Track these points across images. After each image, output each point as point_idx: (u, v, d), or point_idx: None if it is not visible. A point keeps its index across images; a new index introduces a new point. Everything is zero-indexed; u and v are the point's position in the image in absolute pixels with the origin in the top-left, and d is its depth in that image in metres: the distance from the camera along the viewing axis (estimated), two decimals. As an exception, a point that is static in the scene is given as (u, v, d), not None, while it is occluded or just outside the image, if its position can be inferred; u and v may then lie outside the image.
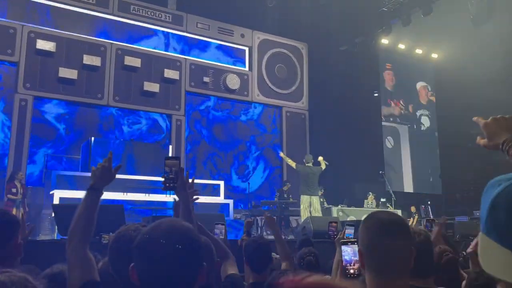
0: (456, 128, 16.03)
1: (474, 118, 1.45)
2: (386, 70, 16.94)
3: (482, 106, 14.94)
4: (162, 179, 2.18)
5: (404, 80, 17.39)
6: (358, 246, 1.60)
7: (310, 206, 10.22)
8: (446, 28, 14.31)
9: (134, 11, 12.83)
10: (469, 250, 2.47)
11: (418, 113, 17.74)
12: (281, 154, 12.10)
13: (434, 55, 17.32)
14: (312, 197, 10.36)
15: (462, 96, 14.66)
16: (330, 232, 3.93)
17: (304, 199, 10.33)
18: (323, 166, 10.83)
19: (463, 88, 14.27)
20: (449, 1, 13.27)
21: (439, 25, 14.00)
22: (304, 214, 10.09)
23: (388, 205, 12.39)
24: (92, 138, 10.33)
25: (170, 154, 11.62)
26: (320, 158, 10.97)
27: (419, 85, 17.93)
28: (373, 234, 1.51)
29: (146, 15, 13.02)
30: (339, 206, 11.94)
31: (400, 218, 1.61)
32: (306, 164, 10.79)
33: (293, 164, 10.78)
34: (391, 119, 16.71)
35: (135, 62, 12.39)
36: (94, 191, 1.97)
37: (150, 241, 1.28)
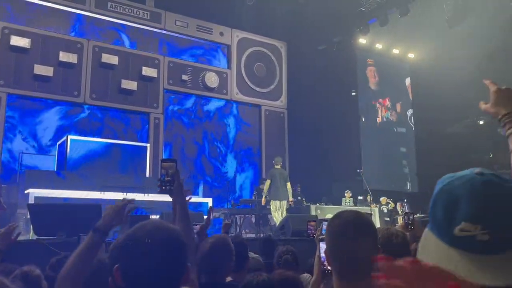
0: (432, 127, 16.34)
1: (486, 81, 1.40)
2: (369, 66, 17.13)
3: (457, 106, 15.27)
4: (158, 182, 2.10)
5: (389, 78, 17.62)
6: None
7: (280, 207, 10.13)
8: (422, 28, 14.54)
9: (111, 8, 12.66)
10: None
11: (408, 113, 18.02)
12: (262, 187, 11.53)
13: (411, 55, 17.60)
14: (279, 201, 10.10)
15: (438, 96, 14.94)
16: (308, 231, 3.97)
17: (272, 202, 10.19)
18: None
19: (438, 88, 14.53)
20: (425, 2, 13.48)
21: (416, 26, 14.22)
22: (275, 216, 10.04)
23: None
24: (69, 136, 10.17)
25: (148, 152, 11.52)
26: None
27: (408, 81, 18.18)
28: (334, 235, 1.46)
29: (124, 12, 12.87)
30: (317, 204, 12.03)
31: (364, 218, 1.54)
32: (275, 166, 10.55)
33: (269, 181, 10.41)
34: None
35: (113, 59, 12.23)
36: (99, 233, 1.82)
37: (134, 241, 1.28)
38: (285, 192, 10.19)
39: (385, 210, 12.98)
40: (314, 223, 4.11)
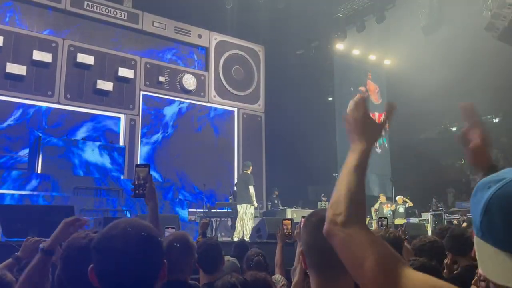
0: (406, 132, 16.61)
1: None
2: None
3: (431, 113, 15.58)
4: (132, 186, 2.19)
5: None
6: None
7: (246, 211, 9.84)
8: (398, 35, 14.80)
9: (87, 8, 12.47)
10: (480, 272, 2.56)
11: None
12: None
13: (387, 62, 17.88)
14: (239, 205, 9.93)
15: (412, 102, 15.19)
16: (285, 231, 3.96)
17: (237, 207, 10.07)
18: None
19: (413, 94, 14.79)
20: (401, 10, 13.73)
21: (392, 33, 14.47)
22: (239, 220, 9.81)
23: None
24: (40, 136, 9.95)
25: (125, 151, 11.36)
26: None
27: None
28: (311, 233, 1.44)
29: (101, 11, 12.69)
30: (294, 208, 12.08)
31: None
32: (244, 172, 10.40)
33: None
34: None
35: (88, 59, 12.04)
36: (47, 252, 1.84)
37: (108, 240, 1.25)
38: (244, 196, 9.92)
39: (401, 210, 12.64)
40: (289, 221, 4.08)
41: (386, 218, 3.23)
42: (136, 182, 2.17)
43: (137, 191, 2.18)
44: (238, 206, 9.96)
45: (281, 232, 3.92)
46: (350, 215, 0.98)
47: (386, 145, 17.78)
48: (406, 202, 12.93)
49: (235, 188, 11.11)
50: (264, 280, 2.40)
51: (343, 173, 1.07)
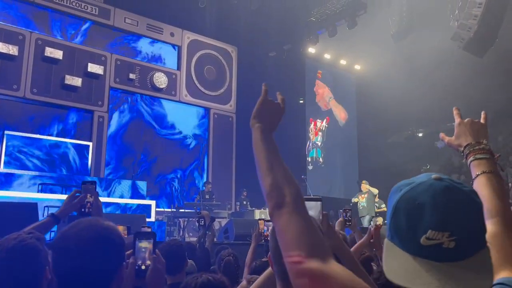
0: (374, 137, 16.94)
1: (454, 110, 1.44)
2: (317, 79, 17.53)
3: (398, 118, 15.93)
4: (78, 205, 2.18)
5: (338, 88, 18.08)
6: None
7: None
8: (369, 41, 15.07)
9: (57, 0, 12.17)
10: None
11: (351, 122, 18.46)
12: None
13: (357, 67, 18.18)
14: None
15: (381, 107, 15.51)
16: (264, 231, 3.96)
17: None
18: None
19: (382, 100, 15.10)
20: (372, 16, 13.99)
21: (363, 38, 14.72)
22: None
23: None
24: (5, 133, 9.68)
25: (90, 151, 11.17)
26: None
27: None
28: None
29: (71, 5, 12.42)
30: (262, 209, 12.11)
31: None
32: None
33: None
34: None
35: (57, 54, 11.76)
36: (54, 218, 2.10)
37: (63, 239, 1.27)
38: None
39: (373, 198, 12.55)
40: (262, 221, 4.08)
41: (350, 209, 3.21)
42: (83, 201, 2.15)
43: (83, 209, 2.14)
44: None
45: (256, 232, 3.94)
46: (291, 199, 1.00)
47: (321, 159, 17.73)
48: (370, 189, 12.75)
49: (208, 186, 11.46)
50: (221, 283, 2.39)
51: (264, 159, 1.11)
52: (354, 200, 12.84)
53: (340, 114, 18.26)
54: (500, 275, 0.99)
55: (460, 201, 0.81)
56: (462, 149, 1.35)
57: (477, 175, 1.24)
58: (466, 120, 1.38)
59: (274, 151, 1.12)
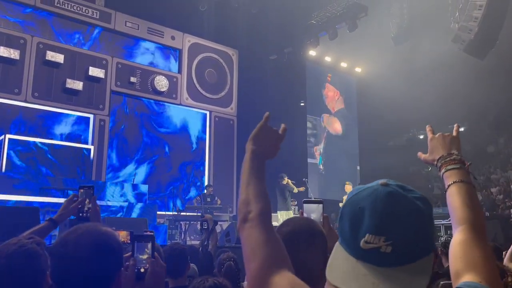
0: (375, 140, 16.93)
1: (427, 127, 1.47)
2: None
3: (399, 120, 15.93)
4: (75, 210, 2.17)
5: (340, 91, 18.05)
6: None
7: None
8: (369, 44, 15.09)
9: (58, 5, 12.21)
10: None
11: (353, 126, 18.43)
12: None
13: (358, 69, 18.19)
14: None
15: (382, 110, 15.50)
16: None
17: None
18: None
19: (383, 102, 15.09)
20: (373, 19, 14.01)
21: (363, 41, 14.74)
22: None
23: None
24: (6, 136, 9.69)
25: (91, 155, 11.18)
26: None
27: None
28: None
29: (72, 9, 12.45)
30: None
31: (315, 225, 1.52)
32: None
33: None
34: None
35: (58, 57, 11.78)
36: (52, 222, 2.09)
37: (61, 245, 1.28)
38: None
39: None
40: None
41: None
42: (81, 205, 2.13)
43: (81, 214, 2.12)
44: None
45: None
46: (255, 214, 1.11)
47: (319, 162, 17.97)
48: None
49: (209, 189, 11.74)
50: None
51: (244, 178, 1.23)
52: (341, 205, 12.77)
53: (336, 129, 18.06)
54: (463, 279, 1.01)
55: (400, 207, 0.82)
56: (436, 162, 1.37)
57: (449, 186, 1.27)
58: (437, 135, 1.41)
59: (256, 172, 1.24)
